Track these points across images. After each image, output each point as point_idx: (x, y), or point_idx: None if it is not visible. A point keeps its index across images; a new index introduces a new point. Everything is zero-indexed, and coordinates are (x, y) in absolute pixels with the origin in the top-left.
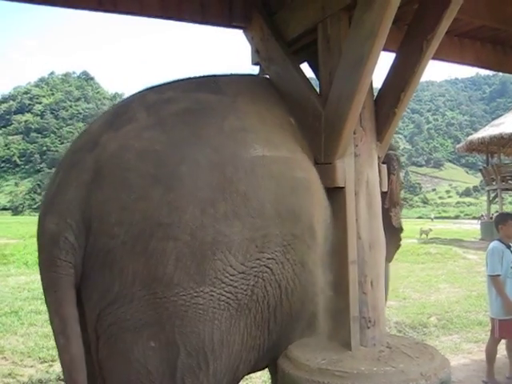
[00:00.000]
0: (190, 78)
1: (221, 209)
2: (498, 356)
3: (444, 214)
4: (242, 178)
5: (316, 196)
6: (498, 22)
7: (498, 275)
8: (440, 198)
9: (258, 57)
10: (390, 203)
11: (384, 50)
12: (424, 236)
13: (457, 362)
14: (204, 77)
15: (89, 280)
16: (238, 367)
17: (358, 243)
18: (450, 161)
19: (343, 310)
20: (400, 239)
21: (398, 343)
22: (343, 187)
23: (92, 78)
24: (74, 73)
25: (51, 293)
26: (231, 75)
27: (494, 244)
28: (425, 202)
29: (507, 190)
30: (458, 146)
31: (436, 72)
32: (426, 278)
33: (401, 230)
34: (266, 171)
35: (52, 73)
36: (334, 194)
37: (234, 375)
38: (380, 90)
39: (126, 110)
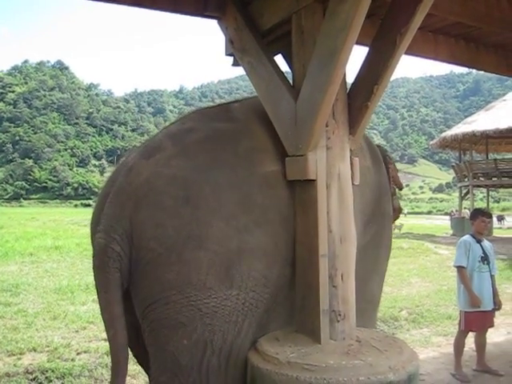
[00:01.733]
0: (206, 108)
1: (242, 220)
2: (466, 349)
3: (417, 210)
4: (258, 191)
5: None
6: (471, 20)
7: (462, 267)
8: (413, 193)
9: (231, 47)
10: (398, 186)
11: (358, 43)
12: (397, 231)
13: (426, 355)
14: (219, 106)
15: (135, 283)
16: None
17: (329, 236)
18: (423, 157)
19: (313, 304)
20: (397, 217)
21: (367, 337)
22: (314, 180)
23: (67, 68)
24: (48, 62)
25: (102, 293)
26: (242, 100)
27: (464, 237)
28: (398, 197)
29: (478, 186)
30: (431, 142)
31: (411, 69)
32: (398, 272)
33: (400, 209)
34: (279, 183)
35: (26, 61)
36: (305, 186)
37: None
38: (353, 83)
39: (153, 140)
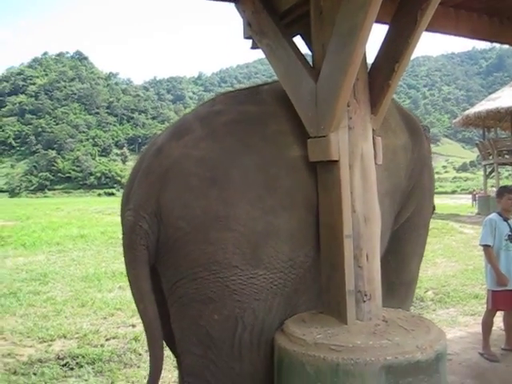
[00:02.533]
0: (236, 91)
1: (268, 203)
2: (494, 328)
3: (441, 190)
4: (285, 175)
5: None
6: None
7: (488, 245)
8: (437, 173)
9: (250, 30)
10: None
11: (378, 22)
12: None
13: (453, 334)
14: (248, 89)
15: (163, 260)
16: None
17: (353, 216)
18: (446, 136)
19: (339, 285)
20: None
21: (394, 317)
22: (337, 160)
23: (86, 58)
24: (67, 53)
25: (131, 269)
26: (272, 83)
27: (491, 216)
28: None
29: (504, 164)
30: (454, 120)
31: (432, 47)
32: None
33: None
34: (306, 167)
35: (45, 53)
36: (328, 167)
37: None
38: (374, 62)
39: (183, 122)
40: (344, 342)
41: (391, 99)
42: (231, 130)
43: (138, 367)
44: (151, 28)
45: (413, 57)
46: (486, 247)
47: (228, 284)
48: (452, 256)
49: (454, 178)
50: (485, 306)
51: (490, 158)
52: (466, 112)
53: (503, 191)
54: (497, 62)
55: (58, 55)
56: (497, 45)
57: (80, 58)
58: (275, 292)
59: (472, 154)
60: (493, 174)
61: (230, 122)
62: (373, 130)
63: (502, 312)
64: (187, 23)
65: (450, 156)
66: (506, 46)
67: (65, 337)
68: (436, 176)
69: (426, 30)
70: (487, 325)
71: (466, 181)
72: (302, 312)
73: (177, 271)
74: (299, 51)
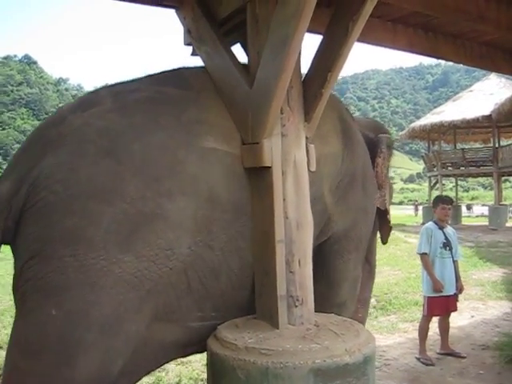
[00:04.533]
0: (160, 73)
1: (166, 185)
2: (431, 333)
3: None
4: (194, 161)
5: None
6: (426, 9)
7: (425, 253)
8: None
9: (189, 37)
10: (378, 184)
11: (313, 32)
12: None
13: (393, 340)
14: (174, 70)
15: (21, 234)
16: (145, 353)
17: (286, 222)
18: (394, 148)
19: (271, 290)
20: (389, 221)
21: (326, 321)
22: (270, 167)
23: (35, 62)
24: (15, 56)
25: None
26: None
27: (427, 224)
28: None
29: (447, 176)
30: (400, 133)
31: (381, 61)
32: None
33: (387, 212)
34: (218, 161)
35: None
36: (261, 173)
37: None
38: (308, 71)
39: (95, 96)
40: (274, 346)
41: (334, 107)
42: (143, 107)
43: None
44: (101, 39)
45: (362, 70)
46: (423, 255)
47: (85, 270)
48: (396, 265)
49: (402, 189)
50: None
51: (435, 169)
52: (412, 125)
53: (438, 201)
54: (442, 78)
55: (5, 58)
56: (442, 61)
57: (29, 62)
58: (134, 285)
59: (419, 166)
60: (437, 185)
61: (143, 100)
62: (306, 137)
63: (438, 317)
64: (135, 35)
65: (397, 168)
66: (451, 63)
67: (1, 347)
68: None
69: (364, 41)
70: (423, 330)
71: (412, 192)
72: (184, 317)
73: (33, 244)
74: (235, 58)
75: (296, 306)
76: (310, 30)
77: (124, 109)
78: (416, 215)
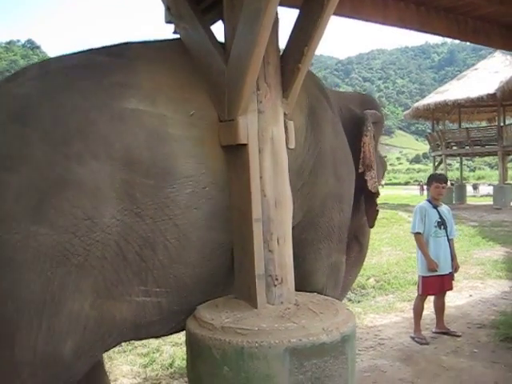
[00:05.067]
0: (104, 47)
1: (75, 148)
2: (427, 313)
3: (394, 181)
4: (106, 122)
5: (200, 156)
6: None
7: (418, 233)
8: (391, 164)
9: (169, 14)
10: (364, 166)
11: (291, 6)
12: None
13: (389, 320)
14: (123, 42)
15: None
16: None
17: (263, 201)
18: (400, 128)
19: (249, 269)
20: (376, 204)
21: (306, 300)
22: (246, 144)
23: (38, 47)
24: (18, 41)
25: None
26: (153, 42)
27: (421, 203)
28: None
29: (452, 155)
30: (405, 112)
31: (387, 40)
32: (370, 241)
33: (377, 194)
34: (136, 121)
35: None
36: (237, 151)
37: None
38: (285, 46)
39: (29, 66)
40: (250, 325)
41: (305, 81)
42: (66, 72)
43: None
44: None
45: (367, 50)
46: (417, 234)
47: None
48: (397, 245)
49: (408, 169)
50: None
51: (439, 149)
52: (416, 104)
53: (431, 179)
54: (448, 57)
55: (9, 43)
56: (448, 40)
57: (32, 46)
58: (58, 260)
59: (425, 146)
60: (442, 165)
61: (67, 67)
62: (284, 113)
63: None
64: (143, 23)
65: (403, 148)
66: (457, 41)
67: None
68: (390, 167)
69: (353, 17)
70: (418, 309)
71: (418, 172)
72: (127, 291)
73: None
74: (212, 35)
75: (275, 286)
76: (289, 5)
77: (45, 75)
78: (421, 195)
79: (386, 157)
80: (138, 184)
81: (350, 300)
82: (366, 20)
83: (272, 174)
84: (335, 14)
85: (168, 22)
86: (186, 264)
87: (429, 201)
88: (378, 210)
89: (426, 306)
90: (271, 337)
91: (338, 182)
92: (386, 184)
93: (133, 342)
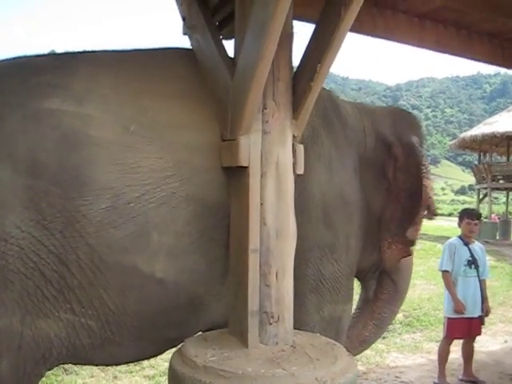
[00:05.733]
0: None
1: None
2: (455, 357)
3: (438, 211)
4: (16, 120)
5: (128, 165)
6: (460, 3)
7: (446, 271)
8: (435, 195)
9: (184, 25)
10: (429, 213)
11: (308, 21)
12: None
13: (413, 361)
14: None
15: None
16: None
17: (263, 229)
18: (446, 158)
19: (242, 304)
20: (411, 251)
21: (305, 342)
22: (247, 167)
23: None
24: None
25: None
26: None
27: (451, 240)
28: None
29: (497, 189)
30: (450, 143)
31: (437, 69)
32: None
33: (413, 243)
34: (51, 122)
35: None
36: (238, 174)
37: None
38: (299, 63)
39: None
40: (235, 367)
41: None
42: (3, 71)
43: (77, 374)
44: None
45: (417, 78)
46: (444, 272)
47: None
48: (432, 279)
49: (452, 200)
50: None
51: (485, 182)
52: (463, 135)
53: (463, 215)
54: (501, 88)
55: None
56: (501, 70)
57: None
58: None
59: (471, 178)
60: (486, 198)
61: (7, 66)
62: (293, 136)
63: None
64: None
65: (449, 178)
66: (511, 72)
67: None
68: (435, 198)
69: (389, 38)
70: (443, 353)
71: (463, 204)
72: (54, 308)
73: None
74: (222, 47)
75: (270, 324)
76: (306, 19)
77: None
78: None
79: None
80: (43, 192)
81: None
82: (401, 42)
83: (275, 201)
84: (368, 34)
85: (185, 33)
86: (106, 289)
87: (460, 237)
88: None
89: (455, 348)
90: (255, 383)
91: (329, 230)
92: None
93: (141, 362)
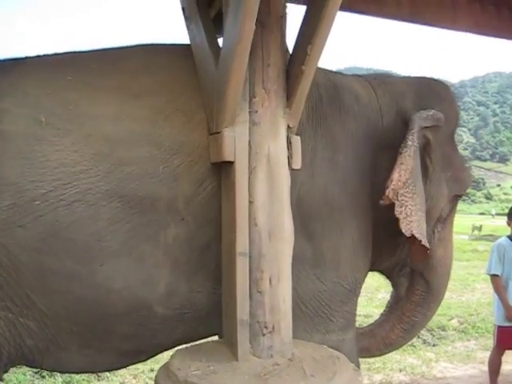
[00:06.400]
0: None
1: None
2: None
3: (507, 211)
4: None
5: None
6: None
7: (496, 275)
8: (505, 193)
9: (183, 16)
10: (388, 197)
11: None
12: (476, 232)
13: (464, 372)
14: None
15: None
16: None
17: (253, 231)
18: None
19: (232, 312)
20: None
21: (306, 355)
22: (233, 162)
23: None
24: None
25: None
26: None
27: (500, 240)
28: (488, 197)
29: None
30: None
31: (505, 63)
32: (465, 276)
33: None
34: None
35: None
36: (225, 170)
37: None
38: (293, 47)
39: None
40: (216, 383)
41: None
42: None
43: (109, 381)
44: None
45: (483, 73)
46: (493, 277)
47: None
48: None
49: None
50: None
51: None
52: None
53: None
54: None
55: None
56: None
57: None
58: None
59: None
60: None
61: None
62: (289, 126)
63: None
64: None
65: None
66: None
67: None
68: (504, 197)
69: (415, 21)
70: (494, 364)
71: None
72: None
73: None
74: (212, 34)
75: (264, 335)
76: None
77: None
78: None
79: (499, 185)
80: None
81: (424, 342)
82: (430, 24)
83: (267, 199)
84: (392, 17)
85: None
86: (32, 289)
87: (509, 237)
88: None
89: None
90: None
91: (310, 241)
92: (497, 214)
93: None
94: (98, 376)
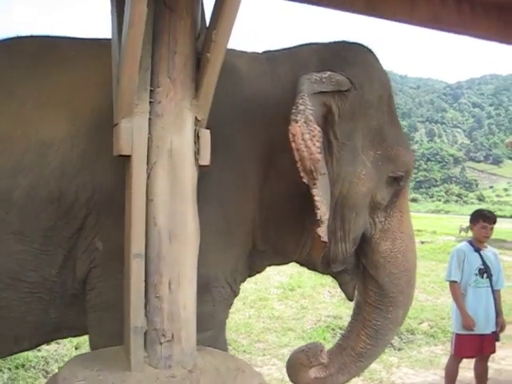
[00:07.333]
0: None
1: None
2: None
3: (500, 213)
4: None
5: None
6: None
7: (454, 281)
8: (497, 195)
9: None
10: (304, 174)
11: None
12: (463, 234)
13: (423, 378)
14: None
15: None
16: None
17: (153, 231)
18: (510, 158)
19: (126, 318)
20: (319, 235)
21: (210, 366)
22: (129, 156)
23: None
24: None
25: None
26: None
27: (460, 245)
28: (480, 199)
29: None
30: (507, 140)
31: (501, 65)
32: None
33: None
34: None
35: None
36: (124, 164)
37: None
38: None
39: None
40: None
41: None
42: None
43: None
44: None
45: (480, 75)
46: (452, 283)
47: None
48: None
49: None
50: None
51: None
52: None
53: (477, 216)
54: None
55: None
56: None
57: None
58: None
59: None
60: None
61: None
62: (197, 119)
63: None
64: None
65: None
66: None
67: None
68: (496, 199)
69: (372, 14)
70: (450, 373)
71: None
72: None
73: None
74: (121, 23)
75: (161, 343)
76: None
77: None
78: None
79: (492, 187)
80: None
81: (390, 346)
82: (388, 18)
83: (168, 197)
84: (348, 10)
85: None
86: None
87: (470, 242)
88: (324, 242)
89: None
90: None
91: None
92: None
93: None
94: (46, 372)
